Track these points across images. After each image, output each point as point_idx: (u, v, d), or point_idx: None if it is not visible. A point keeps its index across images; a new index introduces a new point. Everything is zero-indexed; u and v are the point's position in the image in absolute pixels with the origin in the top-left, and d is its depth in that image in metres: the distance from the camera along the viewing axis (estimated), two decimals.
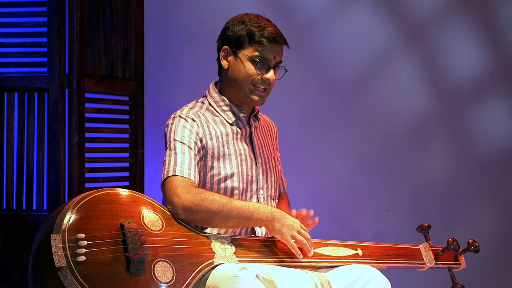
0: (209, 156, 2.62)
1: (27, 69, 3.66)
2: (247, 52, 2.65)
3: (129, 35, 3.96)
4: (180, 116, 2.63)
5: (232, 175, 2.64)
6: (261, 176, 2.72)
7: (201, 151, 2.60)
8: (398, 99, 4.12)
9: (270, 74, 2.66)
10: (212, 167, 2.62)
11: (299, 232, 2.53)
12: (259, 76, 2.65)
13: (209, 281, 2.38)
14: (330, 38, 4.17)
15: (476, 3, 4.07)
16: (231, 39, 2.68)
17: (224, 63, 2.70)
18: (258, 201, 2.70)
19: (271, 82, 2.68)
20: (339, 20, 4.17)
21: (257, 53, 2.64)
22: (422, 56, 4.12)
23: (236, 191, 2.64)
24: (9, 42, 3.69)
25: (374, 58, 4.15)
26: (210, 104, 2.71)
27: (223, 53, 2.70)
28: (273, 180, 2.77)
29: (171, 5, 4.30)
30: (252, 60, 2.65)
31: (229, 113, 2.70)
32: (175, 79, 4.30)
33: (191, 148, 2.56)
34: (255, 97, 2.67)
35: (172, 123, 2.62)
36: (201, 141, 2.61)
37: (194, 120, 2.62)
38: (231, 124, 2.70)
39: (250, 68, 2.65)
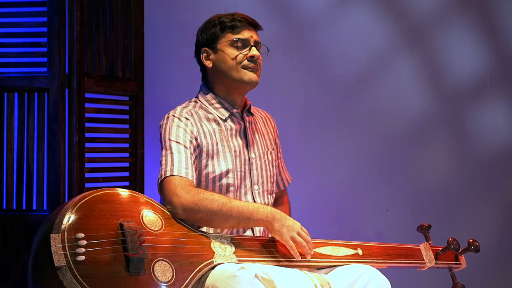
0: (204, 154, 2.62)
1: (27, 69, 3.66)
2: (224, 39, 2.68)
3: (129, 35, 3.95)
4: (174, 116, 2.64)
5: (227, 172, 2.65)
6: (255, 172, 2.72)
7: (196, 150, 2.61)
8: (398, 99, 4.11)
9: (254, 51, 2.69)
10: (206, 165, 2.63)
11: (299, 234, 2.53)
12: (245, 57, 2.67)
13: (208, 281, 2.38)
14: (330, 38, 4.17)
15: (476, 3, 4.06)
16: (206, 41, 2.74)
17: (207, 63, 2.74)
18: (253, 196, 2.70)
19: (258, 60, 2.70)
20: (339, 20, 4.17)
21: (234, 36, 2.68)
22: (422, 56, 4.12)
23: (231, 188, 2.65)
24: (9, 42, 3.68)
25: (374, 58, 4.15)
26: (202, 102, 2.73)
27: (204, 54, 2.74)
28: (268, 174, 2.77)
29: (171, 5, 4.30)
30: (232, 43, 2.69)
31: (222, 109, 2.72)
32: (175, 79, 4.30)
33: (186, 147, 2.57)
34: (251, 74, 2.69)
35: (166, 123, 2.63)
36: (196, 139, 2.61)
37: (187, 119, 2.63)
38: (224, 121, 2.71)
39: (233, 52, 2.69)
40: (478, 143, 4.04)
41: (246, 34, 2.70)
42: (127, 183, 3.93)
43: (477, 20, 4.06)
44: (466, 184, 4.05)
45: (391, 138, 4.13)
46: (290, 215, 2.89)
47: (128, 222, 2.30)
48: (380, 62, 4.15)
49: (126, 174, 3.95)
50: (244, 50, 2.69)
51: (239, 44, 2.68)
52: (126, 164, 3.94)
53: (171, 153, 2.55)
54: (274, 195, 2.83)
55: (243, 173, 2.69)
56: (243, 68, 2.68)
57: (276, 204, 2.92)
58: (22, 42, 3.67)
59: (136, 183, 3.94)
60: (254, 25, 2.74)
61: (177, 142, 2.57)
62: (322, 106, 4.19)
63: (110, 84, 3.82)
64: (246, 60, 2.68)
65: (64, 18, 3.58)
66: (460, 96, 4.07)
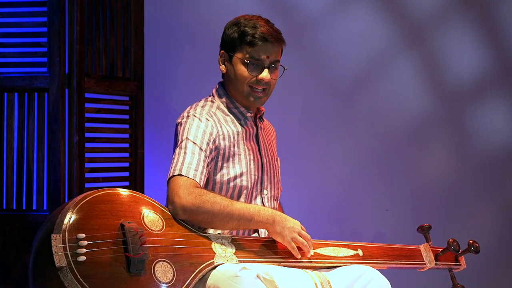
0: (220, 157, 2.61)
1: (27, 69, 3.66)
2: (240, 55, 2.64)
3: (129, 35, 3.95)
4: (195, 116, 2.61)
5: (241, 174, 2.64)
6: (265, 176, 2.72)
7: (213, 152, 2.59)
8: (398, 99, 4.12)
9: (264, 74, 2.64)
10: (222, 167, 2.62)
11: (299, 234, 2.53)
12: (254, 78, 2.65)
13: (210, 281, 2.38)
14: (330, 38, 4.17)
15: (476, 3, 4.06)
16: (226, 43, 2.69)
17: (222, 68, 2.71)
18: (262, 201, 2.69)
19: (269, 82, 2.66)
20: (339, 20, 4.17)
21: (248, 55, 2.63)
22: (422, 56, 4.12)
23: (244, 191, 2.64)
24: (9, 42, 3.68)
25: (374, 58, 4.15)
26: (220, 103, 2.71)
27: (220, 58, 2.71)
28: (276, 181, 2.78)
29: (171, 5, 4.30)
30: (243, 62, 2.64)
31: (237, 113, 2.70)
32: (175, 79, 4.30)
33: (202, 149, 2.54)
34: (252, 99, 2.67)
35: (186, 122, 2.60)
36: (214, 142, 2.59)
37: (208, 120, 2.61)
38: (240, 124, 2.70)
39: (243, 71, 2.64)
40: (478, 143, 4.04)
41: (262, 54, 2.63)
42: (127, 183, 3.93)
43: (477, 20, 4.06)
44: (466, 184, 4.05)
45: (391, 138, 4.13)
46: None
47: (129, 223, 2.30)
48: (380, 62, 4.15)
49: (126, 174, 3.95)
50: (255, 72, 2.64)
51: (250, 66, 2.63)
52: (126, 164, 3.94)
53: (185, 152, 2.53)
54: (278, 201, 2.83)
55: (256, 177, 2.69)
56: (250, 88, 2.65)
57: None
58: (22, 42, 3.67)
59: (136, 183, 3.94)
60: (276, 42, 2.65)
61: (194, 142, 2.55)
62: (322, 106, 4.19)
63: (110, 84, 3.82)
64: (255, 81, 2.65)
65: (64, 18, 3.58)
66: (460, 96, 4.07)
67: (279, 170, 2.84)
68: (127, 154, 3.95)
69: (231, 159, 2.63)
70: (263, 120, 2.82)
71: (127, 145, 3.95)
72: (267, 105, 2.90)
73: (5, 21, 3.67)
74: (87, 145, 3.69)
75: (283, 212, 2.92)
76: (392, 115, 4.12)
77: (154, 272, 2.27)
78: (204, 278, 2.38)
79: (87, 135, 3.68)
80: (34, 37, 3.65)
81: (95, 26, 3.76)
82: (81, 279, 2.15)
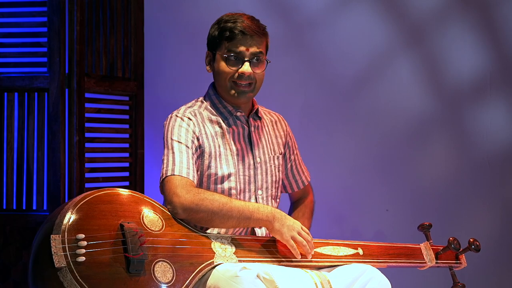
0: (206, 155, 2.62)
1: (27, 69, 3.66)
2: (221, 51, 2.65)
3: (129, 35, 3.96)
4: (177, 116, 2.64)
5: (229, 175, 2.64)
6: (259, 177, 2.71)
7: (198, 150, 2.60)
8: (398, 99, 4.11)
9: (245, 68, 2.62)
10: (209, 167, 2.62)
11: (299, 233, 2.53)
12: (236, 72, 2.64)
13: (210, 281, 2.38)
14: (330, 38, 4.17)
15: (477, 4, 4.06)
16: (209, 42, 2.70)
17: (207, 68, 2.71)
18: (256, 201, 2.69)
19: (252, 76, 2.64)
20: (340, 20, 4.17)
21: (227, 49, 2.63)
22: (422, 56, 4.11)
23: (233, 191, 2.64)
24: (9, 42, 3.68)
25: (374, 58, 4.15)
26: (208, 103, 2.71)
27: (206, 58, 2.71)
28: (274, 180, 2.76)
29: (171, 5, 4.30)
30: (223, 58, 2.63)
31: (226, 112, 2.70)
32: (175, 79, 4.30)
33: (188, 147, 2.56)
34: (235, 93, 2.65)
35: (169, 123, 2.63)
36: (198, 139, 2.61)
37: (190, 119, 2.63)
38: (228, 124, 2.69)
39: (223, 66, 2.64)
40: (478, 143, 4.03)
41: (241, 47, 2.62)
42: (127, 183, 3.93)
43: (477, 20, 4.05)
44: (466, 184, 4.05)
45: (391, 138, 4.13)
46: (311, 216, 2.90)
47: (128, 223, 2.30)
48: (380, 62, 4.15)
49: (126, 174, 3.95)
50: (236, 66, 2.63)
51: (231, 60, 2.62)
52: (126, 164, 3.94)
53: (173, 152, 2.54)
54: (278, 200, 2.82)
55: (247, 177, 2.68)
56: (233, 83, 2.65)
57: (297, 204, 2.93)
58: (22, 42, 3.67)
59: (136, 183, 3.94)
60: (255, 34, 2.63)
61: (179, 141, 2.57)
62: (322, 106, 4.19)
63: (110, 84, 3.82)
64: (236, 76, 2.64)
65: (64, 18, 3.59)
66: (460, 96, 4.07)
67: (279, 168, 2.82)
68: (127, 154, 3.95)
69: (217, 159, 2.63)
70: (259, 118, 2.80)
71: (127, 145, 3.95)
72: (267, 105, 2.90)
73: (5, 21, 3.67)
74: (87, 145, 3.69)
75: (311, 216, 2.93)
76: (392, 115, 4.12)
77: (153, 272, 2.27)
78: (204, 278, 2.38)
79: (87, 135, 3.69)
80: (34, 37, 3.65)
81: (95, 26, 3.76)
82: (80, 280, 2.15)
